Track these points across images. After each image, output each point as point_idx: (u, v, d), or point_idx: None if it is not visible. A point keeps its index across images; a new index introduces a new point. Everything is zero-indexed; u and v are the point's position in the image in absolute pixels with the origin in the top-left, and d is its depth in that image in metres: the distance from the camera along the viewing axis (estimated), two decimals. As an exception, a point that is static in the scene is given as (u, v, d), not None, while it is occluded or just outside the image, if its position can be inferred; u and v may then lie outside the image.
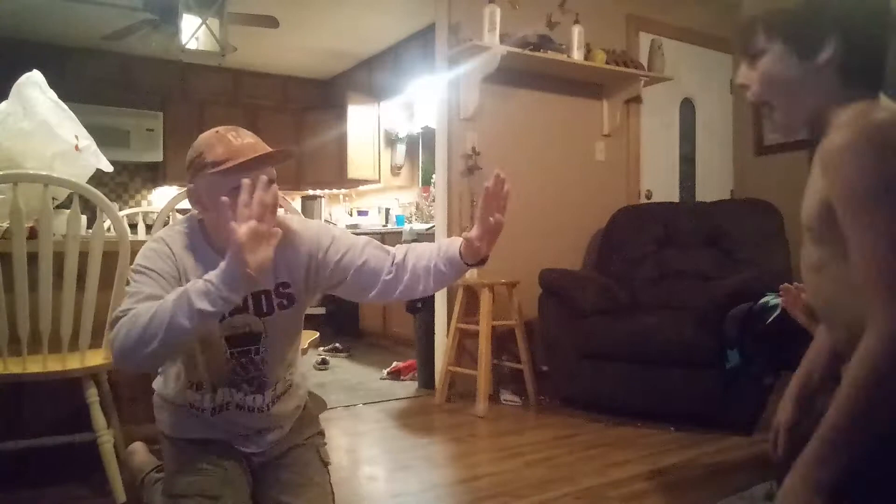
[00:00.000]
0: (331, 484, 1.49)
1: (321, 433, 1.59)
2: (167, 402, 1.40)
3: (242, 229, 1.07)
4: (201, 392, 1.31)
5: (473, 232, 1.24)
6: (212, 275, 1.10)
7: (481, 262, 1.27)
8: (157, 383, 1.44)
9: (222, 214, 1.17)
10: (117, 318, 1.15)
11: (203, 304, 1.07)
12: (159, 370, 1.42)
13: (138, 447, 1.81)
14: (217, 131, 1.24)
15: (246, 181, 1.08)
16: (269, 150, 1.23)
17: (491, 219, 1.23)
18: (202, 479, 1.32)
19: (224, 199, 1.13)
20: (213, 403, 1.32)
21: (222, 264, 1.10)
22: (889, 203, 0.94)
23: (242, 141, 1.22)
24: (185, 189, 1.26)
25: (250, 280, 1.09)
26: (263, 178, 1.17)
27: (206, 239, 1.29)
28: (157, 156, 5.92)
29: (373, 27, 5.23)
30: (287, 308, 1.33)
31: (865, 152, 0.95)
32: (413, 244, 1.37)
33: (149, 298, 1.15)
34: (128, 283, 1.22)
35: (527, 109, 3.77)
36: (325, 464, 1.51)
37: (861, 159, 0.95)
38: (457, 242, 1.28)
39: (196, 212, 1.31)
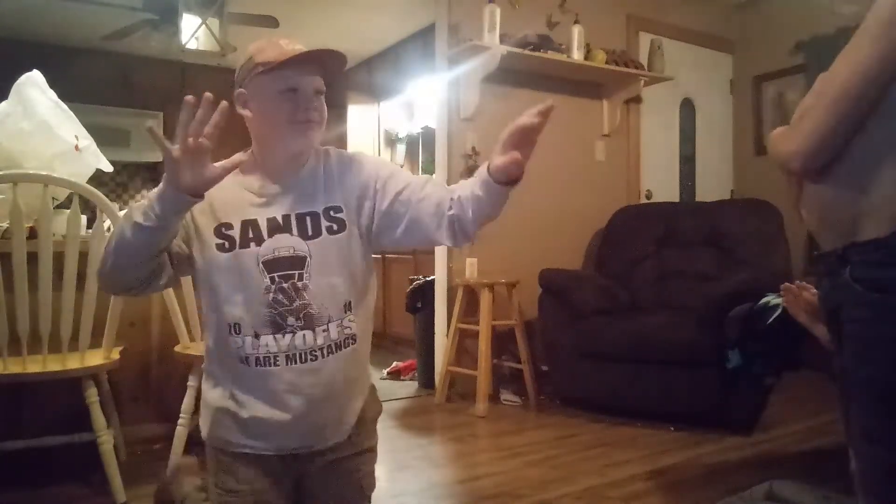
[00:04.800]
0: None
1: (373, 450, 1.39)
2: (210, 376, 1.23)
3: (176, 147, 1.00)
4: (241, 336, 1.16)
5: (499, 157, 1.12)
6: (155, 190, 1.07)
7: (514, 181, 1.15)
8: (207, 363, 1.26)
9: (270, 116, 1.16)
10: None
11: (138, 218, 1.04)
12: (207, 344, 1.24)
13: (187, 464, 1.73)
14: (271, 38, 1.21)
15: (188, 98, 1.00)
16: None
17: (532, 139, 1.13)
18: (232, 500, 1.22)
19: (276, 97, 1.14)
20: (256, 351, 1.15)
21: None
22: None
23: (294, 47, 1.18)
24: (234, 95, 1.18)
25: (185, 201, 1.04)
26: (310, 88, 1.16)
27: (242, 165, 1.19)
28: (157, 156, 5.90)
29: (373, 27, 5.23)
30: (337, 234, 1.19)
31: None
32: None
33: None
34: None
35: (527, 109, 3.76)
36: (365, 496, 1.34)
37: None
38: (485, 165, 1.19)
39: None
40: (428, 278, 3.78)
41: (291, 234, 1.17)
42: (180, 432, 2.18)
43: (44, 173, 1.96)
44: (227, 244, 1.15)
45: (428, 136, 5.28)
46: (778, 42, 4.49)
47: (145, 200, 1.06)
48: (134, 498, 2.07)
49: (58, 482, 2.20)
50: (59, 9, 4.76)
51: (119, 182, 6.03)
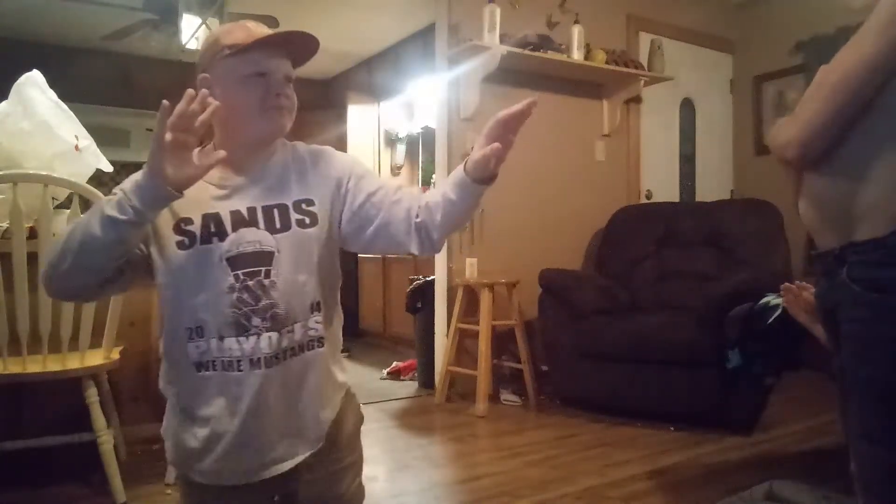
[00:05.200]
0: None
1: (356, 464, 1.26)
2: (168, 394, 1.17)
3: (168, 136, 0.95)
4: (205, 339, 1.08)
5: (478, 151, 1.05)
6: (127, 182, 1.00)
7: (489, 179, 1.08)
8: (162, 381, 1.20)
9: (237, 101, 1.09)
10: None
11: (112, 211, 0.98)
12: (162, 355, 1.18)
13: None
14: (237, 21, 1.16)
15: (191, 91, 0.96)
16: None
17: (510, 136, 1.05)
18: None
19: (242, 81, 1.08)
20: (221, 354, 1.07)
21: (140, 172, 1.00)
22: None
23: (261, 30, 1.12)
24: (197, 80, 1.11)
25: (166, 195, 0.98)
26: (280, 73, 1.11)
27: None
28: (156, 156, 5.91)
29: (373, 27, 5.23)
30: (308, 228, 1.12)
31: None
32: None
33: None
34: None
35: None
36: None
37: None
38: (460, 166, 1.11)
39: None
40: (428, 278, 3.78)
41: (258, 228, 1.09)
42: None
43: (44, 173, 1.96)
44: (187, 241, 1.07)
45: (428, 136, 5.28)
46: (778, 42, 4.49)
47: (116, 194, 1.00)
48: (134, 498, 2.07)
49: (58, 482, 2.20)
50: (59, 9, 4.76)
51: (119, 182, 5.99)
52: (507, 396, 3.48)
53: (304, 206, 1.13)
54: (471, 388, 3.33)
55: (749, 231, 3.47)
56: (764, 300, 2.47)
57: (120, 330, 2.18)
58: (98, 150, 2.37)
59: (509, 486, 2.25)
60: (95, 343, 2.09)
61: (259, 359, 1.07)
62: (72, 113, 2.33)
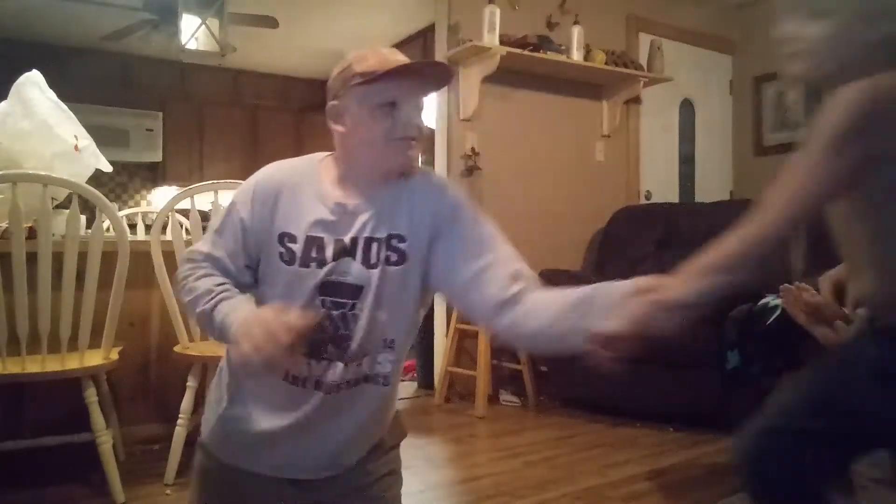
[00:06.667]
0: None
1: (395, 473, 1.26)
2: (225, 391, 1.16)
3: (246, 345, 0.94)
4: None
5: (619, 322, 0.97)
6: (236, 317, 1.01)
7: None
8: (215, 381, 1.19)
9: (366, 131, 1.08)
10: (186, 260, 1.13)
11: (222, 334, 1.05)
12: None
13: None
14: (370, 47, 1.13)
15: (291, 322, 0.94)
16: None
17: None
18: None
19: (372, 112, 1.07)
20: (290, 368, 1.08)
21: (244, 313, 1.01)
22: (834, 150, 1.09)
23: (396, 57, 1.10)
24: (327, 107, 1.12)
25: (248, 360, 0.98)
26: (410, 103, 1.11)
27: (329, 173, 1.14)
28: (156, 156, 5.92)
29: (373, 27, 5.23)
30: (396, 266, 1.09)
31: (852, 100, 1.06)
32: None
33: (211, 261, 1.11)
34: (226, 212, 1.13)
35: (527, 110, 3.77)
36: None
37: (842, 106, 1.07)
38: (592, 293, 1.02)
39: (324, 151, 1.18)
40: (428, 278, 3.78)
41: (354, 260, 1.08)
42: (179, 432, 2.18)
43: (43, 173, 1.96)
44: (287, 256, 1.07)
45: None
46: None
47: (229, 319, 1.02)
48: (133, 498, 2.07)
49: (57, 482, 2.20)
50: (59, 9, 4.76)
51: (119, 182, 6.02)
52: (506, 397, 3.48)
53: (394, 241, 1.10)
54: (470, 389, 3.33)
55: (749, 231, 3.46)
56: (763, 301, 2.47)
57: (119, 330, 2.18)
58: (97, 150, 2.37)
59: (509, 486, 2.25)
60: (94, 343, 2.09)
61: (322, 383, 1.09)
62: (71, 113, 2.33)
